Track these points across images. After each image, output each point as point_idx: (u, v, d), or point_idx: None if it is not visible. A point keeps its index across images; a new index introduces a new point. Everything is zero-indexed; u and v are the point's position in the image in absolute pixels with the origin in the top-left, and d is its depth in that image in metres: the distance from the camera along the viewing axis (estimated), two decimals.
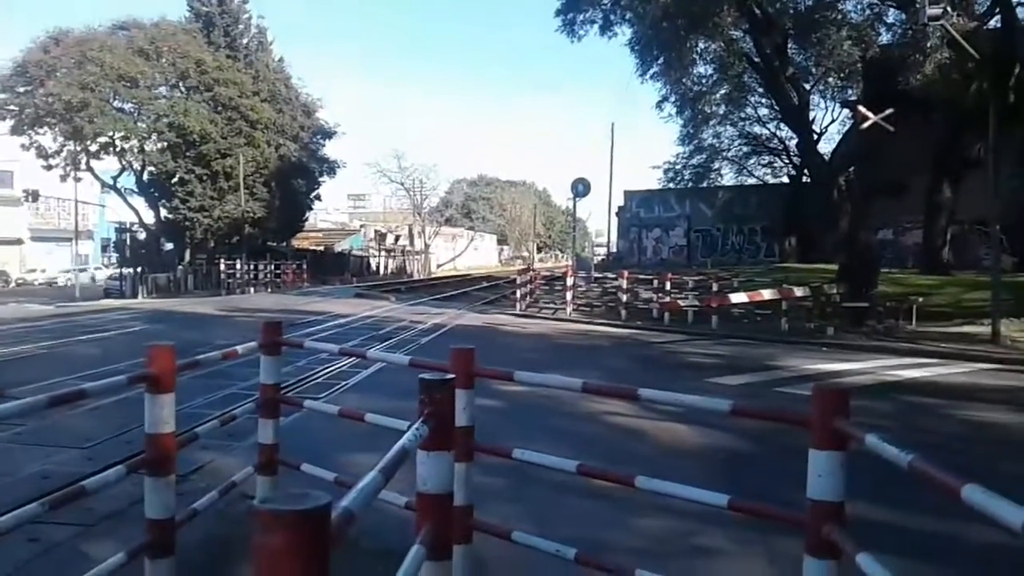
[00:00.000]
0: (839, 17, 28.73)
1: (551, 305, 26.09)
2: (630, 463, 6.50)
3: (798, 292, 19.55)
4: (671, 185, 44.11)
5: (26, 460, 6.75)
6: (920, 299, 19.61)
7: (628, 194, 51.99)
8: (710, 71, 37.53)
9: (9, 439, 7.37)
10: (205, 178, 42.22)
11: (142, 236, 43.25)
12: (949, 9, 17.42)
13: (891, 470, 2.43)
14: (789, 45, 31.40)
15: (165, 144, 41.10)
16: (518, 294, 26.72)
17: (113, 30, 42.04)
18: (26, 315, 24.67)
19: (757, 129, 44.61)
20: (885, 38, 29.10)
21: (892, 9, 27.33)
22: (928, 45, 21.30)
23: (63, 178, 41.92)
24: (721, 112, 40.85)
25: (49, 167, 41.61)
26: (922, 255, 30.87)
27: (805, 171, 39.36)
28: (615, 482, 4.34)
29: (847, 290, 19.87)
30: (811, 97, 37.36)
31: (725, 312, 20.38)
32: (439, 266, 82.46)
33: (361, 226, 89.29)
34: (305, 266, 48.23)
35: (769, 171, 47.01)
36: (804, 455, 2.92)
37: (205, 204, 42.27)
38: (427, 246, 77.97)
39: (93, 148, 40.92)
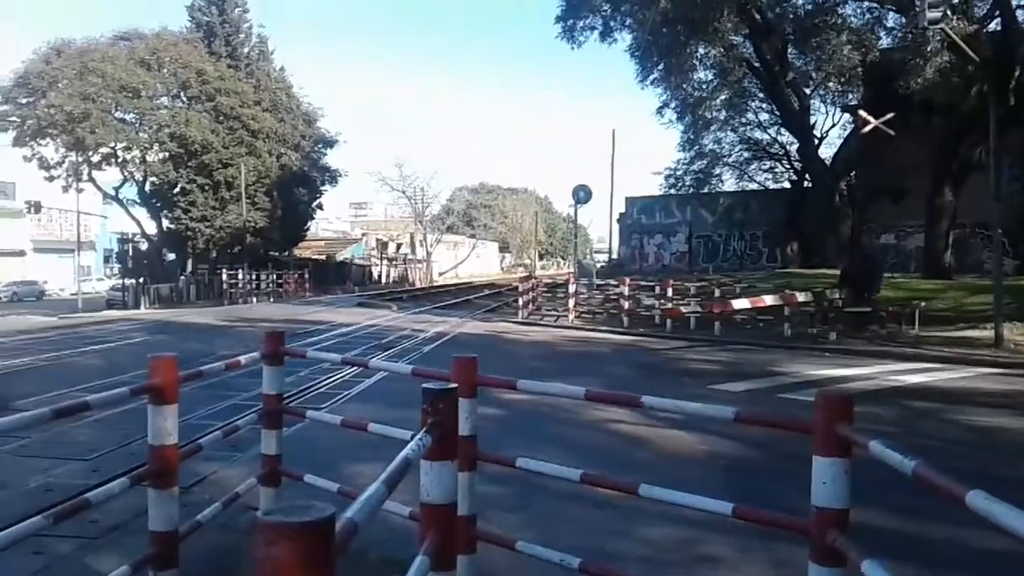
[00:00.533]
0: (839, 22, 28.83)
1: (553, 312, 26.08)
2: (634, 471, 6.49)
3: (800, 297, 19.53)
4: (672, 191, 44.01)
5: (30, 472, 6.74)
6: (922, 303, 19.58)
7: (629, 200, 52.01)
8: (710, 76, 37.60)
9: (13, 451, 7.37)
10: (207, 188, 42.31)
11: (144, 247, 43.29)
12: (949, 13, 17.44)
13: (895, 476, 2.43)
14: (789, 50, 31.54)
15: (167, 154, 41.21)
16: (520, 302, 26.71)
17: (114, 41, 42.21)
18: (28, 327, 24.69)
19: (758, 134, 44.55)
20: (885, 42, 29.19)
21: (892, 13, 27.42)
22: (928, 49, 21.34)
23: (65, 189, 42.02)
24: (722, 118, 40.79)
25: (51, 178, 41.72)
26: (924, 259, 30.83)
27: (806, 176, 39.36)
28: (619, 490, 4.34)
29: (849, 295, 19.84)
30: (812, 102, 37.43)
31: (728, 318, 20.35)
32: (441, 274, 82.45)
33: (363, 235, 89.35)
34: (307, 275, 48.24)
35: (770, 176, 46.94)
36: (808, 462, 2.91)
37: (207, 214, 42.35)
38: (429, 254, 77.97)
39: (95, 159, 41.05)
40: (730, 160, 44.27)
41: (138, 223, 44.68)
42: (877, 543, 4.02)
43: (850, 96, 36.68)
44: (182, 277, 41.84)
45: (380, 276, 70.56)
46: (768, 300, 19.76)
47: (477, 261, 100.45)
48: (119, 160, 41.61)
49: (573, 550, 4.05)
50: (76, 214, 41.28)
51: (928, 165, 29.11)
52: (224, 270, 41.42)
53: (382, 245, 78.21)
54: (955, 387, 12.44)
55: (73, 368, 13.80)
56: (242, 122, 43.03)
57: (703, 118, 38.66)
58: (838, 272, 23.54)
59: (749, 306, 19.93)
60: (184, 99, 43.26)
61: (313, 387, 11.26)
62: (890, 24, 28.72)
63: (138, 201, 44.51)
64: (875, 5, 27.87)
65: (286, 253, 53.80)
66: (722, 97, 39.00)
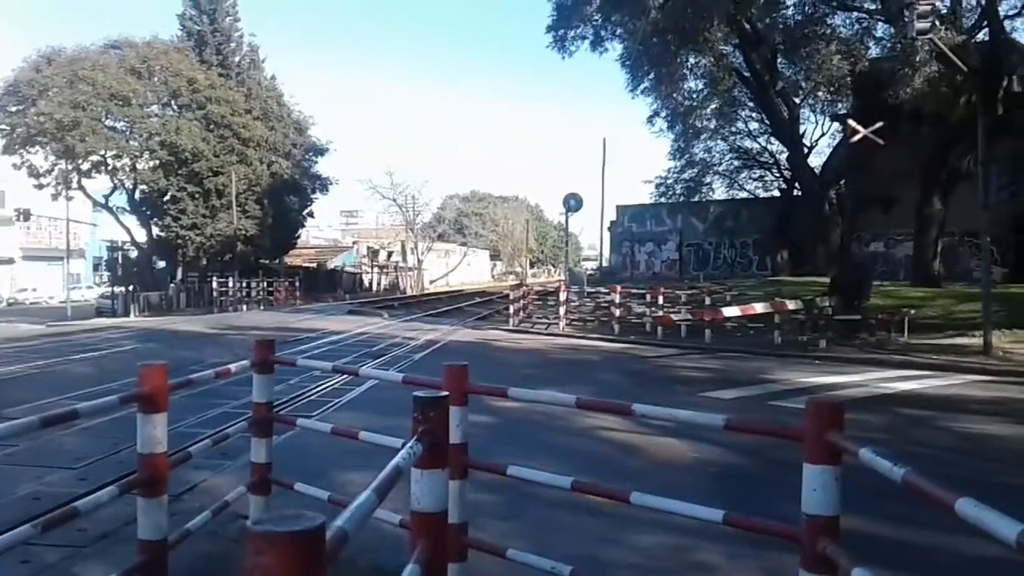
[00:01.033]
0: (828, 32, 28.96)
1: (544, 320, 26.09)
2: (625, 479, 6.49)
3: (790, 305, 19.59)
4: (663, 199, 44.18)
5: (18, 481, 6.70)
6: (912, 311, 19.66)
7: (620, 209, 52.16)
8: (700, 86, 37.67)
9: (2, 460, 7.32)
10: (197, 196, 42.20)
11: (134, 255, 43.19)
12: (937, 23, 17.52)
13: (886, 484, 2.44)
14: (779, 60, 31.62)
15: (157, 162, 41.07)
16: (511, 309, 26.72)
17: (105, 49, 42.10)
18: (17, 335, 24.57)
19: (748, 143, 44.78)
20: (874, 52, 29.30)
21: (881, 24, 27.53)
22: (917, 59, 21.43)
23: (55, 197, 41.88)
24: (712, 127, 40.96)
25: (41, 186, 41.54)
26: (913, 267, 30.98)
27: (796, 185, 39.48)
28: (610, 498, 4.33)
29: (839, 303, 19.91)
30: (801, 111, 37.52)
31: (718, 326, 20.39)
32: (432, 282, 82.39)
33: (354, 243, 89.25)
34: (298, 283, 48.11)
35: (760, 185, 47.19)
36: (799, 469, 2.92)
37: (197, 222, 42.24)
38: (420, 262, 77.89)
39: (85, 167, 40.87)
40: (720, 169, 44.50)
41: (128, 231, 44.53)
42: (867, 550, 4.03)
43: (839, 105, 36.87)
44: (172, 285, 41.70)
45: (371, 284, 70.48)
46: (758, 308, 19.81)
47: (468, 269, 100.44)
48: (109, 168, 41.46)
49: (564, 558, 4.05)
50: (66, 222, 41.20)
51: (917, 174, 29.28)
52: (214, 278, 41.30)
53: (373, 253, 78.11)
54: (944, 394, 12.49)
55: (62, 376, 13.73)
56: (233, 130, 42.96)
57: (693, 127, 38.79)
58: (828, 280, 23.67)
59: (739, 314, 19.98)
60: (175, 107, 43.16)
61: (303, 395, 11.23)
62: (879, 34, 28.84)
63: (128, 209, 44.34)
64: (864, 16, 28.00)
65: (276, 261, 53.68)
66: (712, 106, 39.14)
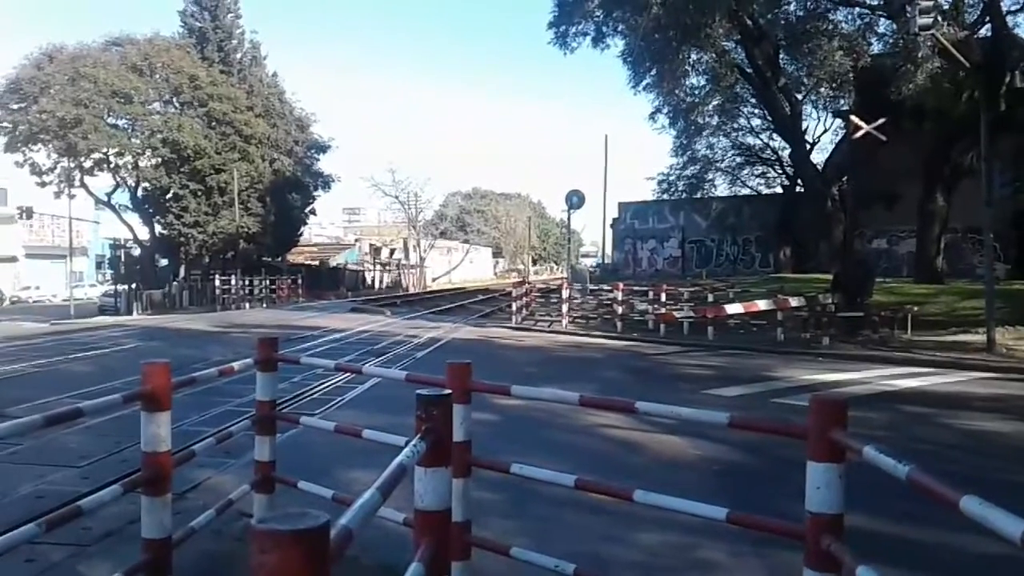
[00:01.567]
0: (830, 28, 28.91)
1: (547, 317, 26.10)
2: (628, 476, 6.50)
3: (793, 302, 19.57)
4: (665, 196, 44.17)
5: (22, 480, 6.71)
6: (915, 308, 19.64)
7: (622, 205, 52.12)
8: (702, 82, 37.63)
9: (5, 458, 7.33)
10: (199, 193, 42.20)
11: (136, 252, 43.20)
12: (939, 19, 17.52)
13: (890, 481, 2.43)
14: (781, 56, 31.60)
15: (159, 160, 41.06)
16: (514, 307, 26.71)
17: (107, 46, 42.10)
18: (21, 333, 24.60)
19: (750, 140, 44.74)
20: (876, 48, 29.31)
21: (883, 19, 27.50)
22: (919, 55, 21.41)
23: (57, 195, 41.86)
24: (714, 123, 40.93)
25: (43, 184, 41.55)
26: (916, 264, 30.94)
27: (798, 181, 39.45)
28: (613, 496, 4.33)
29: (842, 300, 19.89)
30: (803, 107, 37.51)
31: (721, 323, 20.39)
32: (434, 279, 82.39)
33: (356, 240, 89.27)
34: (300, 281, 48.15)
35: (763, 182, 47.12)
36: (802, 467, 2.92)
37: (200, 220, 42.24)
38: (422, 259, 77.92)
39: (87, 164, 40.89)
40: (723, 165, 44.48)
41: (130, 229, 44.55)
42: (871, 548, 4.02)
43: (842, 101, 36.81)
44: (175, 283, 41.69)
45: (373, 281, 70.50)
46: (761, 305, 19.80)
47: (471, 266, 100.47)
48: (111, 166, 41.46)
49: (568, 556, 4.05)
50: (68, 220, 41.15)
51: (920, 170, 29.24)
52: (217, 276, 41.31)
53: (375, 250, 78.20)
54: (948, 391, 12.48)
55: (65, 374, 13.75)
56: (235, 127, 42.96)
57: (695, 123, 38.77)
58: (831, 277, 23.63)
59: (742, 311, 19.98)
60: (176, 104, 43.16)
61: (307, 393, 11.23)
62: (881, 30, 28.83)
63: (130, 207, 44.35)
64: (866, 11, 27.97)
65: (279, 258, 53.70)
66: (714, 102, 39.10)
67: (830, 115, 41.06)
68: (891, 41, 27.72)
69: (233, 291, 40.56)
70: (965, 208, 26.99)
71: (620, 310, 22.97)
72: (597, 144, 54.69)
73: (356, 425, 5.46)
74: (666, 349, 18.92)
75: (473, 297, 44.44)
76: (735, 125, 43.14)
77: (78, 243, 49.67)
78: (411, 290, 64.61)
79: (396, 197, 76.89)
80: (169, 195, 42.19)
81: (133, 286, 38.20)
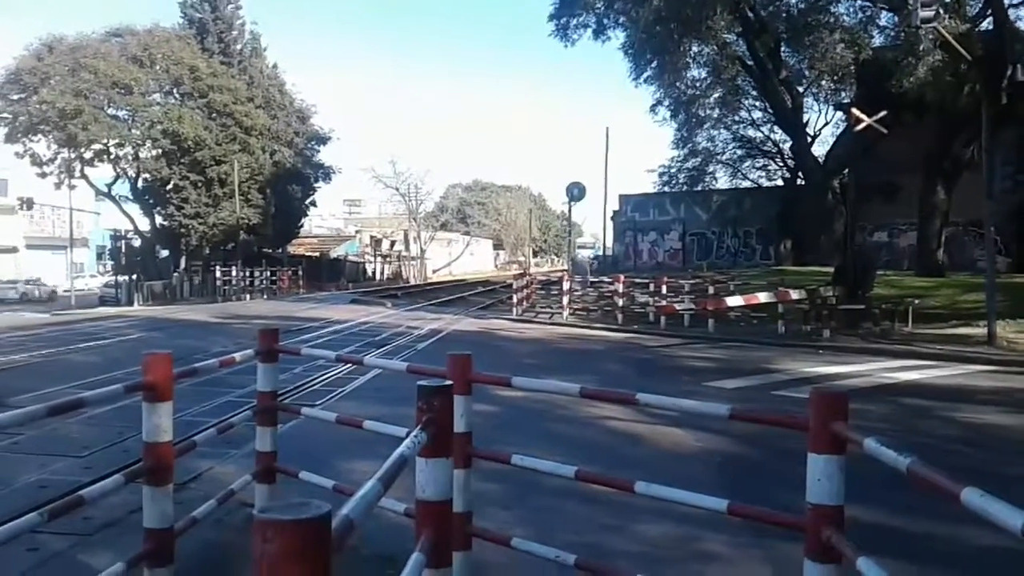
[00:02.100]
0: (832, 20, 28.88)
1: (548, 309, 26.08)
2: (629, 468, 6.51)
3: (794, 295, 19.56)
4: (666, 189, 44.13)
5: (24, 469, 6.72)
6: (916, 301, 19.63)
7: (623, 198, 52.06)
8: (703, 74, 37.65)
9: (7, 448, 7.34)
10: (200, 185, 42.21)
11: (137, 243, 43.23)
12: (941, 11, 17.45)
13: (890, 473, 2.44)
14: (782, 48, 31.58)
15: (160, 151, 41.08)
16: (514, 299, 26.71)
17: (107, 37, 42.08)
18: (22, 323, 24.61)
19: (751, 132, 44.68)
20: (878, 41, 29.28)
21: (884, 12, 27.47)
22: (921, 48, 21.40)
23: (57, 186, 41.93)
24: (715, 115, 40.92)
25: (43, 175, 41.59)
26: (917, 257, 30.94)
27: (799, 174, 39.44)
28: (614, 487, 4.34)
29: (843, 292, 19.89)
30: (804, 100, 37.53)
31: (721, 315, 20.39)
32: (435, 271, 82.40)
33: (357, 232, 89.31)
34: (301, 272, 48.18)
35: (763, 174, 47.06)
36: (803, 459, 2.92)
37: (200, 211, 42.26)
38: (423, 251, 77.86)
39: (87, 155, 40.94)
40: (723, 158, 44.42)
41: (131, 220, 44.59)
42: (872, 540, 4.04)
43: (843, 94, 36.80)
44: (175, 274, 41.74)
45: (374, 273, 70.55)
46: (762, 297, 19.79)
47: (471, 258, 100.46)
48: (112, 157, 41.49)
49: (569, 547, 4.06)
50: (69, 211, 41.22)
51: (921, 163, 29.23)
52: (218, 267, 41.34)
53: (376, 242, 78.16)
54: (949, 384, 12.48)
55: (67, 365, 13.75)
56: (235, 119, 42.95)
57: (696, 116, 38.76)
58: (831, 269, 23.63)
59: (743, 303, 19.97)
60: (177, 96, 43.16)
61: (308, 384, 11.24)
62: (883, 23, 28.81)
63: (131, 198, 44.38)
64: (868, 4, 27.94)
65: (280, 250, 53.73)
66: (715, 95, 39.11)
67: (831, 108, 41.03)
68: (893, 34, 27.71)
69: (234, 282, 40.58)
70: (966, 201, 26.97)
71: (621, 302, 22.96)
72: (598, 136, 54.74)
73: (357, 416, 5.46)
74: (667, 341, 18.93)
75: (474, 289, 44.44)
76: (736, 118, 43.12)
77: (79, 234, 49.73)
78: (412, 282, 64.63)
79: (397, 189, 76.81)
80: (169, 186, 42.21)
81: (134, 277, 38.24)
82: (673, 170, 42.43)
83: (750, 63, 32.56)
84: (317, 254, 66.38)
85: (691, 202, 46.47)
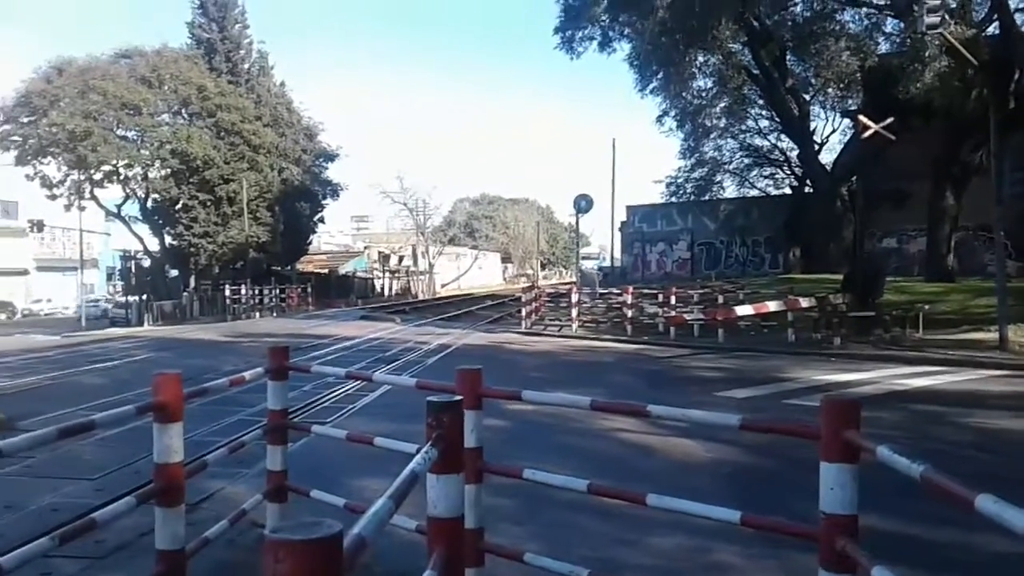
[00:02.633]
0: (837, 28, 28.92)
1: (556, 322, 26.05)
2: (641, 480, 6.49)
3: (804, 303, 19.51)
4: (673, 199, 44.13)
5: (36, 493, 6.73)
6: (926, 307, 19.55)
7: (631, 209, 52.07)
8: (709, 84, 37.73)
9: (19, 472, 7.35)
10: (209, 204, 42.40)
11: (147, 263, 43.40)
12: (947, 17, 17.46)
13: (904, 481, 2.42)
14: (788, 57, 31.64)
15: (168, 171, 41.31)
16: (523, 312, 26.69)
17: (115, 59, 42.38)
18: (32, 346, 24.71)
19: (758, 141, 44.70)
20: (884, 48, 29.26)
21: (890, 19, 27.46)
22: (927, 54, 21.36)
23: (67, 208, 42.14)
24: (722, 125, 40.97)
25: (53, 197, 41.83)
26: (927, 262, 30.83)
27: (807, 182, 39.40)
28: (627, 500, 4.32)
29: (853, 300, 19.82)
30: (811, 108, 37.52)
31: (731, 325, 20.33)
32: (443, 286, 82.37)
33: (365, 247, 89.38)
34: (310, 289, 48.19)
35: (771, 183, 47.04)
36: (815, 468, 2.91)
37: (209, 230, 42.43)
38: (431, 266, 77.91)
39: (97, 177, 41.14)
40: (731, 167, 44.43)
41: (140, 240, 44.80)
42: (886, 549, 4.00)
43: (850, 101, 36.78)
44: (185, 293, 41.83)
45: (383, 289, 70.54)
46: (772, 306, 19.74)
47: (479, 272, 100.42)
48: (121, 177, 41.70)
49: (582, 561, 4.05)
50: (79, 232, 41.40)
51: (929, 169, 29.16)
52: (227, 286, 41.39)
53: (384, 258, 78.21)
54: (961, 390, 12.42)
55: (77, 387, 13.78)
56: (243, 137, 43.16)
57: (703, 126, 38.81)
58: (841, 277, 23.55)
59: (752, 312, 19.92)
60: (185, 115, 43.40)
61: (318, 401, 11.25)
62: (888, 30, 28.79)
63: (140, 218, 44.62)
64: (873, 11, 27.94)
65: (288, 267, 53.84)
66: (722, 104, 39.15)
67: (838, 115, 41.05)
68: (899, 40, 27.66)
69: (243, 301, 40.64)
70: (975, 206, 26.87)
71: (630, 313, 22.93)
72: (605, 148, 54.72)
73: (368, 433, 5.46)
74: (676, 352, 18.88)
75: (482, 303, 44.42)
76: (743, 127, 43.15)
77: (89, 255, 49.90)
78: (420, 297, 64.63)
79: (404, 204, 76.96)
80: (178, 206, 42.42)
81: (144, 297, 38.35)
82: (680, 180, 42.46)
83: (756, 72, 32.64)
84: (326, 271, 66.47)
85: (699, 212, 46.47)
